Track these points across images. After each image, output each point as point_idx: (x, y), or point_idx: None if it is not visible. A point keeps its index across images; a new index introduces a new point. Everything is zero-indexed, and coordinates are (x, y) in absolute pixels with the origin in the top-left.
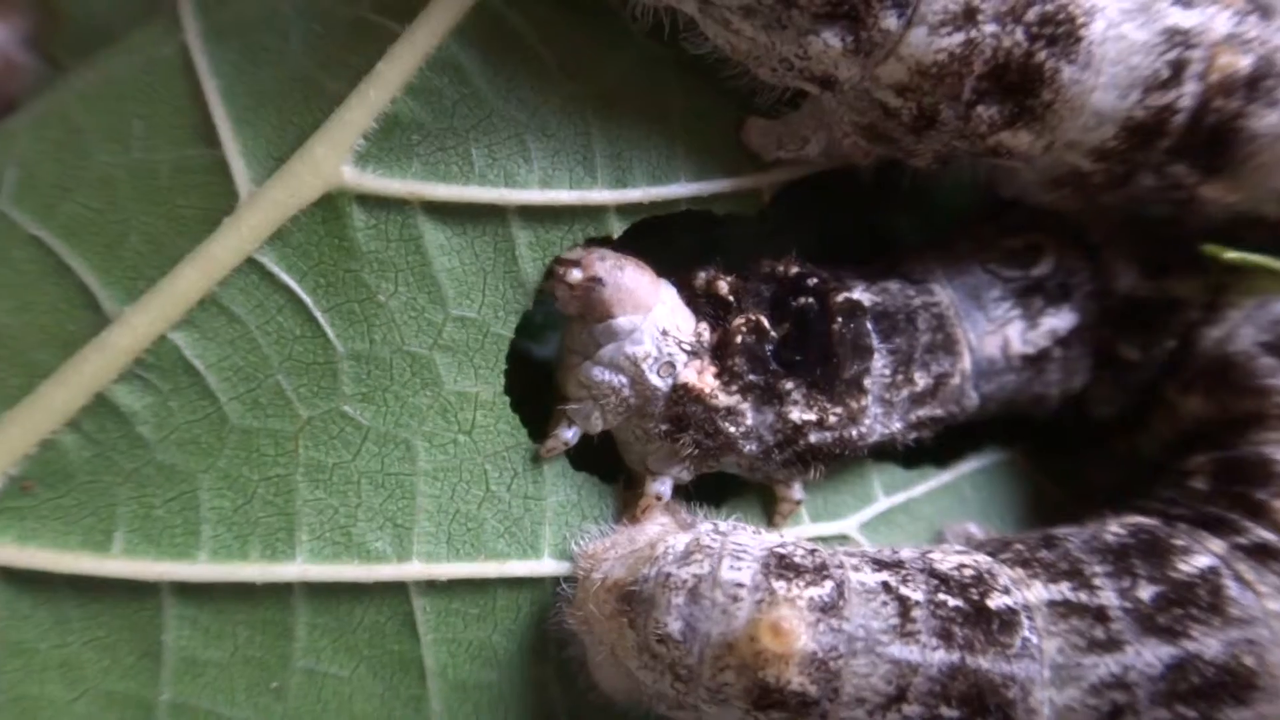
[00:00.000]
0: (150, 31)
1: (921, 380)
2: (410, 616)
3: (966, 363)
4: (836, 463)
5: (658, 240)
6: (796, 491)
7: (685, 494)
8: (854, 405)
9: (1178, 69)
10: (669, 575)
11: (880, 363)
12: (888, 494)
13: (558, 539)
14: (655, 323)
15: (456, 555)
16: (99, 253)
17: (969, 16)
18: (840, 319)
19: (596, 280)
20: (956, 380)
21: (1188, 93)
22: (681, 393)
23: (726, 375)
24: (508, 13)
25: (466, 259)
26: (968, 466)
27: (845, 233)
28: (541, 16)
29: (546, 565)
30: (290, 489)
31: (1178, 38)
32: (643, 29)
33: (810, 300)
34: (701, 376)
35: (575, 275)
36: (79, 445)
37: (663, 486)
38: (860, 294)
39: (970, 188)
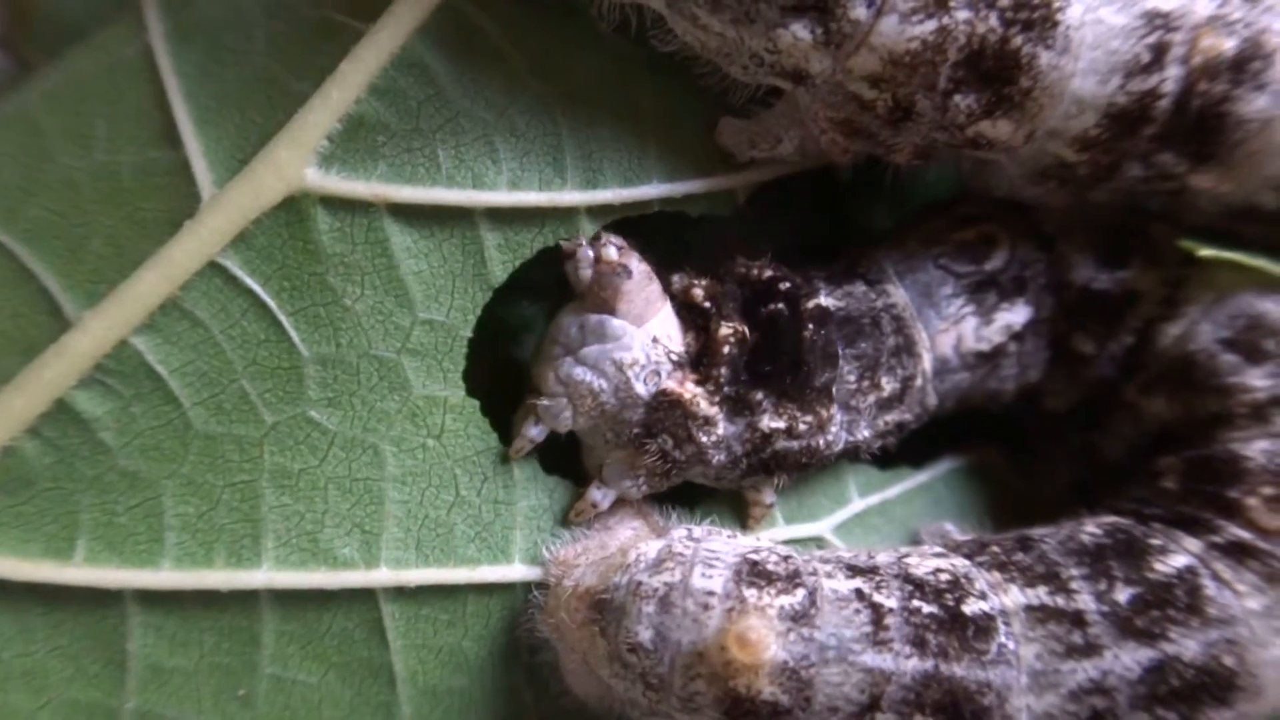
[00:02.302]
0: (114, 32)
1: (888, 385)
2: (379, 623)
3: (927, 363)
4: (802, 471)
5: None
6: (767, 496)
7: (657, 496)
8: (823, 414)
9: (1159, 53)
10: (640, 583)
11: (845, 369)
12: (863, 495)
13: (528, 544)
14: (648, 331)
15: (426, 561)
16: (61, 257)
17: (940, 3)
18: (811, 326)
19: (625, 269)
20: (919, 382)
21: (1170, 77)
22: (662, 398)
23: (711, 385)
24: (473, 12)
25: (434, 262)
26: (943, 467)
27: (823, 234)
28: (508, 15)
29: (517, 570)
30: (256, 495)
31: (1158, 20)
32: (610, 27)
33: (781, 307)
34: (684, 385)
35: (611, 253)
36: (40, 452)
37: (603, 498)
38: (826, 299)
39: (951, 186)
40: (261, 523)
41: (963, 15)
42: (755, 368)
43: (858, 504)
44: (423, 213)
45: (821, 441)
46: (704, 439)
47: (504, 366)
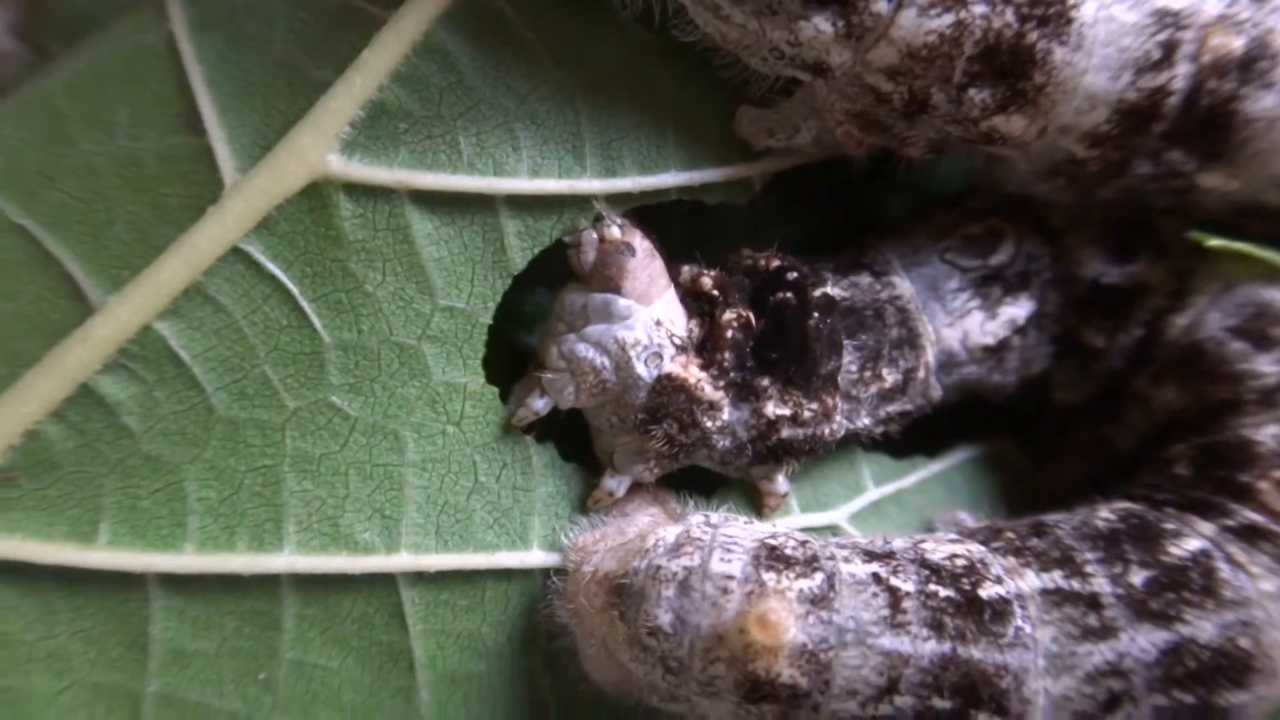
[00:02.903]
0: (136, 19)
1: (890, 377)
2: (399, 608)
3: (930, 355)
4: (807, 458)
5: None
6: (780, 485)
7: (674, 484)
8: (829, 402)
9: (1169, 50)
10: (659, 568)
11: (847, 359)
12: (878, 484)
13: (547, 530)
14: (651, 313)
15: (445, 546)
16: (83, 242)
17: None
18: (817, 314)
19: (629, 247)
20: (922, 374)
21: (1180, 74)
22: (665, 382)
23: (715, 370)
24: None
25: (455, 248)
26: (958, 456)
27: (837, 224)
28: (530, 3)
29: (535, 556)
30: (277, 480)
31: (1168, 19)
32: (632, 16)
33: (789, 295)
34: (688, 369)
35: (614, 232)
36: (64, 436)
37: (618, 485)
38: (832, 289)
39: (963, 179)
40: (283, 507)
41: (979, 10)
42: (762, 355)
43: (873, 493)
44: (444, 199)
45: (826, 430)
46: (708, 423)
47: (521, 353)
